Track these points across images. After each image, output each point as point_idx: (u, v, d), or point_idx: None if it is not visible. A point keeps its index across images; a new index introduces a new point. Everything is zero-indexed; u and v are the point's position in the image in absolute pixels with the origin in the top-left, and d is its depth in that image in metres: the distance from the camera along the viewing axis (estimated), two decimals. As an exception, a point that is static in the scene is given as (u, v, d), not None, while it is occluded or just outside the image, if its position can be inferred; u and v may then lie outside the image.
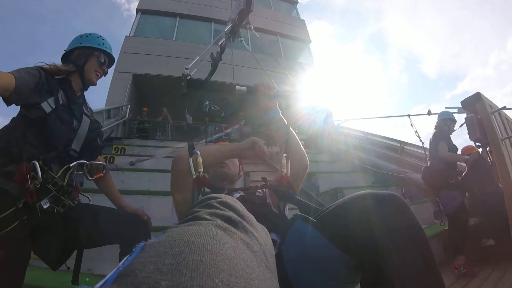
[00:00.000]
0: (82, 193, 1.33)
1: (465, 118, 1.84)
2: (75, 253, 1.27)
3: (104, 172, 1.40)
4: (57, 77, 1.22)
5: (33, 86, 1.09)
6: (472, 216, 2.55)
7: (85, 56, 1.29)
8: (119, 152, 4.88)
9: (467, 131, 1.86)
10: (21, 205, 1.02)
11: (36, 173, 1.03)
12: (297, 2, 14.42)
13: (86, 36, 1.33)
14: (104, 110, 6.16)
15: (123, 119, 7.42)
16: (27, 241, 1.09)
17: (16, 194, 1.04)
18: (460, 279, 2.22)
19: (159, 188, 2.83)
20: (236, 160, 1.34)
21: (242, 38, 1.79)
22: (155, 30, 10.68)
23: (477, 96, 1.80)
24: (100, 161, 1.41)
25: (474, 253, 2.37)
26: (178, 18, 10.86)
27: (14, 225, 1.00)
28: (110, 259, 1.51)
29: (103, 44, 1.33)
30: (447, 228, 2.64)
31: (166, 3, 10.96)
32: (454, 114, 2.92)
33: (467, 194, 2.85)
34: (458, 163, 2.79)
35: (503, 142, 1.66)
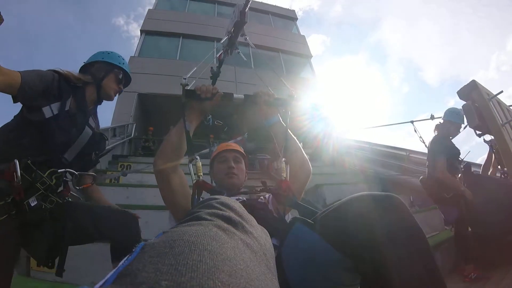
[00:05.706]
0: (73, 193, 1.33)
1: (463, 106, 1.81)
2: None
3: (92, 183, 1.41)
4: (73, 84, 1.24)
5: (41, 90, 1.11)
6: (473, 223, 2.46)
7: (105, 71, 1.33)
8: (125, 169, 4.89)
9: (465, 119, 1.84)
10: (10, 200, 1.05)
11: (16, 171, 1.05)
12: (297, 19, 14.70)
13: (108, 53, 1.38)
14: (110, 128, 6.25)
15: (128, 138, 7.50)
16: (16, 237, 1.10)
17: (5, 190, 1.06)
18: (472, 285, 2.11)
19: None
20: (244, 166, 1.34)
21: (239, 50, 1.84)
22: (159, 50, 10.90)
23: (473, 84, 1.78)
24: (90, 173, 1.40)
25: (484, 258, 2.29)
26: (181, 38, 11.13)
27: (2, 218, 1.03)
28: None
29: (123, 63, 1.38)
30: None
31: (169, 24, 11.28)
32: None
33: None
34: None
35: (503, 127, 1.66)
